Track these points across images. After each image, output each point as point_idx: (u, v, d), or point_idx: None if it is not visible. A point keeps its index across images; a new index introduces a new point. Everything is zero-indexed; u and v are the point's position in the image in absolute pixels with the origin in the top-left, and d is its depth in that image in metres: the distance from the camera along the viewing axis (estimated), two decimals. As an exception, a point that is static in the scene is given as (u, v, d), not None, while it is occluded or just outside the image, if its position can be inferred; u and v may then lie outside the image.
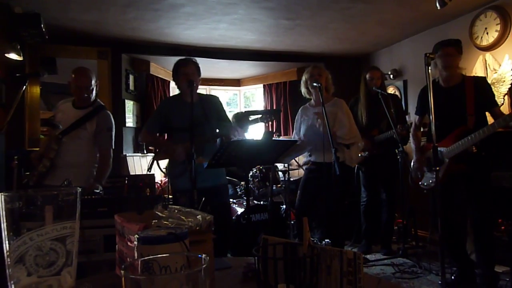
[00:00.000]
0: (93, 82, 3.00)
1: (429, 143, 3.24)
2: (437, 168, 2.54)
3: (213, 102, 3.14)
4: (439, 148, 2.95)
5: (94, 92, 3.03)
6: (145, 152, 5.68)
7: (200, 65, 3.13)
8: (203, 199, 2.33)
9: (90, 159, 3.01)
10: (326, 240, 4.12)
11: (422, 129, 3.52)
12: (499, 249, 3.60)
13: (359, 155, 4.20)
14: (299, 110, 3.79)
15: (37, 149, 3.20)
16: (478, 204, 2.97)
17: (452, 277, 3.02)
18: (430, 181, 3.17)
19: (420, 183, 3.29)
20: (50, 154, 2.85)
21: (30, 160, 2.94)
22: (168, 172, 3.08)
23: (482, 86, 3.02)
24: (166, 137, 3.41)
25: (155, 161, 3.02)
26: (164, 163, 3.08)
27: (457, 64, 3.07)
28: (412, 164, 3.38)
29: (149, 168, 3.05)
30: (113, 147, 3.10)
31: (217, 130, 3.08)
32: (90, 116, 2.97)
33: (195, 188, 2.36)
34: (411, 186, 3.44)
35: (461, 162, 2.93)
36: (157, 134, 3.25)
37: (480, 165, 2.94)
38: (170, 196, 3.38)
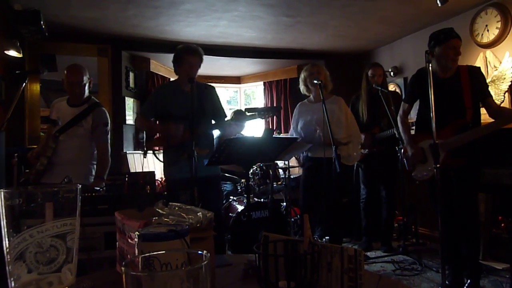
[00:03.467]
0: (85, 78, 3.01)
1: (419, 134, 3.16)
2: (438, 165, 2.52)
3: (210, 93, 3.12)
4: (431, 141, 2.86)
5: (86, 88, 3.04)
6: (145, 149, 5.68)
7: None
8: (200, 204, 2.32)
9: (88, 156, 3.02)
10: (326, 238, 4.12)
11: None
12: (499, 246, 3.61)
13: (360, 152, 4.22)
14: (297, 106, 3.81)
15: (35, 146, 3.20)
16: (465, 198, 2.92)
17: (446, 282, 2.91)
18: (425, 173, 3.07)
19: (413, 174, 3.19)
20: (48, 152, 2.86)
21: (27, 159, 2.94)
22: (163, 160, 3.07)
23: (476, 77, 2.93)
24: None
25: (149, 149, 3.03)
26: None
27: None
28: (403, 153, 3.27)
29: (144, 155, 3.05)
30: (109, 142, 3.10)
31: (213, 122, 3.08)
32: (85, 113, 2.98)
33: (195, 185, 2.36)
34: (414, 182, 3.35)
35: (457, 156, 2.85)
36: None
37: (473, 158, 2.88)
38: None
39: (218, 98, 3.18)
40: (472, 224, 2.94)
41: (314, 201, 3.70)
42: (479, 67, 3.12)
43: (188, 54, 2.97)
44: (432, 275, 3.40)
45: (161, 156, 3.07)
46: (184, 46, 3.05)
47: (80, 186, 0.72)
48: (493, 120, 2.88)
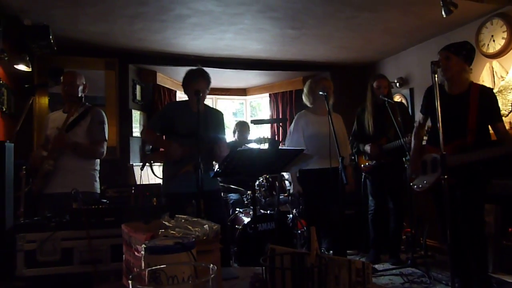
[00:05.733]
0: (78, 81, 3.06)
1: (428, 146, 3.20)
2: (445, 176, 2.50)
3: (216, 117, 3.12)
4: (434, 155, 3.01)
5: (80, 90, 3.08)
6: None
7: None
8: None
9: (90, 161, 3.05)
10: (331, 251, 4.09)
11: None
12: (510, 258, 3.55)
13: (367, 164, 4.23)
14: (297, 117, 3.83)
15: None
16: (470, 214, 2.90)
17: None
18: (425, 182, 3.13)
19: (411, 183, 3.24)
20: (54, 154, 2.87)
21: (31, 159, 2.95)
22: (162, 174, 3.08)
23: (488, 98, 2.89)
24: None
25: (148, 163, 3.04)
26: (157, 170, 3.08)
27: (457, 68, 2.91)
28: (408, 163, 3.36)
29: (142, 168, 3.06)
30: (107, 140, 3.11)
31: None
32: (84, 113, 3.02)
33: (201, 197, 2.35)
34: (423, 193, 3.36)
35: (452, 176, 2.66)
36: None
37: (476, 178, 2.86)
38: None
39: (223, 123, 3.19)
40: (477, 237, 2.90)
41: (318, 211, 3.71)
42: (492, 89, 3.11)
43: (192, 81, 2.96)
44: (442, 288, 3.35)
45: (156, 170, 3.06)
46: (189, 71, 3.03)
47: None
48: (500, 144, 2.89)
